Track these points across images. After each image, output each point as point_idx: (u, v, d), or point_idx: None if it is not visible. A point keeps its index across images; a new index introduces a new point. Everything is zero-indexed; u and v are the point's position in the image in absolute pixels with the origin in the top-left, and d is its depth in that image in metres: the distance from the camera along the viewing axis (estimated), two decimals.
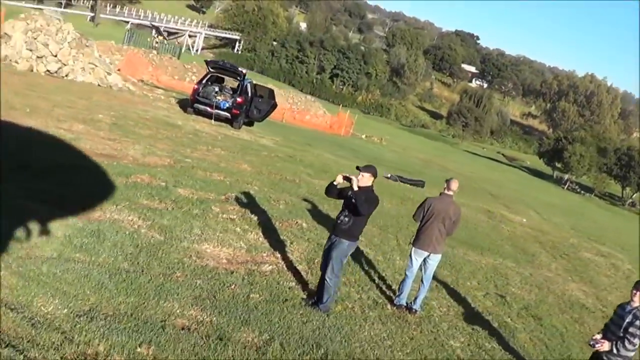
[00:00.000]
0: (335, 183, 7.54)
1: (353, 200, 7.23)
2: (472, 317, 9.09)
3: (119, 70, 26.43)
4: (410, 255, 8.79)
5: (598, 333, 7.13)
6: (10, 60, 20.49)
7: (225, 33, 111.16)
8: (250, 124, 23.94)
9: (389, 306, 8.58)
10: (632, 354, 7.15)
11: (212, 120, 21.17)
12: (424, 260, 8.79)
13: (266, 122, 25.36)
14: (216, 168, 13.60)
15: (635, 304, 7.17)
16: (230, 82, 24.40)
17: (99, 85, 21.83)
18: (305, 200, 13.08)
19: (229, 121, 21.73)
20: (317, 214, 11.95)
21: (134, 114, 18.01)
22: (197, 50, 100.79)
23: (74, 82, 21.00)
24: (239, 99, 21.50)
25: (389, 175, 21.33)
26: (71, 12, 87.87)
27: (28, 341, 5.16)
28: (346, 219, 7.49)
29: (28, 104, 14.17)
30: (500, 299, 10.28)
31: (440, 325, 8.45)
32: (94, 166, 10.79)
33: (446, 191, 8.79)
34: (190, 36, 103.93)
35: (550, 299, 11.24)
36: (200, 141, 16.80)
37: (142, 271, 7.24)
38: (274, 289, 7.94)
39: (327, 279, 7.62)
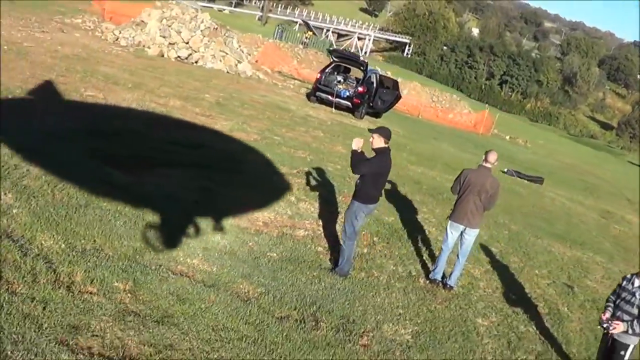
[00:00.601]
0: (355, 148, 7.38)
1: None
2: (520, 300, 8.50)
3: (256, 60, 27.39)
4: (447, 229, 8.43)
5: (603, 313, 6.41)
6: (144, 45, 21.98)
7: (395, 36, 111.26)
8: (377, 115, 23.84)
9: (422, 280, 8.22)
10: None
11: (333, 109, 21.37)
12: (461, 234, 8.40)
13: (397, 116, 25.17)
14: (304, 147, 13.70)
15: None
16: (357, 73, 24.48)
17: (227, 72, 22.77)
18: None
19: (351, 110, 21.81)
20: (390, 193, 11.64)
21: (247, 97, 18.59)
22: (365, 53, 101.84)
23: (201, 68, 22.07)
24: (360, 89, 21.56)
25: (506, 170, 20.50)
26: (242, 11, 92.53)
27: (10, 265, 5.49)
28: (358, 180, 7.51)
29: (135, 81, 15.11)
30: (567, 289, 9.51)
31: (475, 303, 7.99)
32: (149, 132, 11.16)
33: (484, 163, 8.32)
34: (359, 39, 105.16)
35: None
36: (304, 124, 17.01)
37: (164, 222, 7.42)
38: (297, 251, 7.90)
39: (342, 242, 7.72)
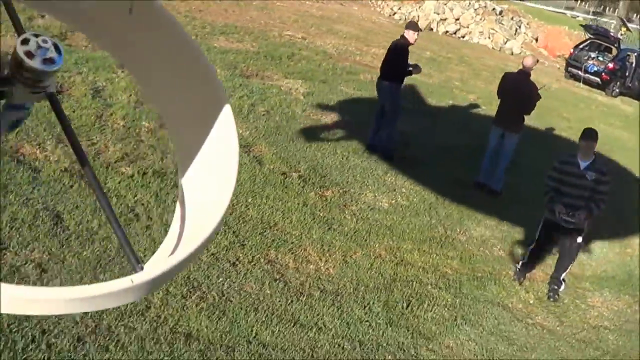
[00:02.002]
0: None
1: None
2: None
3: (535, 40, 27.43)
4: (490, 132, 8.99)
5: (552, 204, 6.61)
6: (414, 18, 24.17)
7: None
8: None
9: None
10: None
11: (580, 83, 21.03)
12: (502, 137, 8.88)
13: None
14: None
15: (589, 157, 6.52)
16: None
17: (492, 48, 23.73)
18: None
19: (602, 87, 21.11)
20: None
21: (477, 61, 19.65)
22: None
23: (463, 42, 23.45)
24: (610, 65, 20.79)
25: None
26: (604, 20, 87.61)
27: None
28: None
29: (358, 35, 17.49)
30: None
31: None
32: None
33: (523, 68, 8.73)
34: None
35: None
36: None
37: None
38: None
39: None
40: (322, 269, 6.30)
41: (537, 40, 26.53)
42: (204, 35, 13.30)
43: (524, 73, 8.62)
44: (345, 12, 22.75)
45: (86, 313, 4.37)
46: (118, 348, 4.29)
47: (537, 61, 8.90)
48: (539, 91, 8.88)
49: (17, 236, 5.28)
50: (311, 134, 9.39)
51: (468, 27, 24.01)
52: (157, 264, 1.17)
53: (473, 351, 5.74)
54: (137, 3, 1.61)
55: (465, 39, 23.87)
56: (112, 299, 1.11)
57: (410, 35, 8.83)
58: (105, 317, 4.52)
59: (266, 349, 4.79)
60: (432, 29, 23.87)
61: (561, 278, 6.92)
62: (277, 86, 11.26)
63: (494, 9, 25.16)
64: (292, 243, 6.45)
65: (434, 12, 24.18)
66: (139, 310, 4.74)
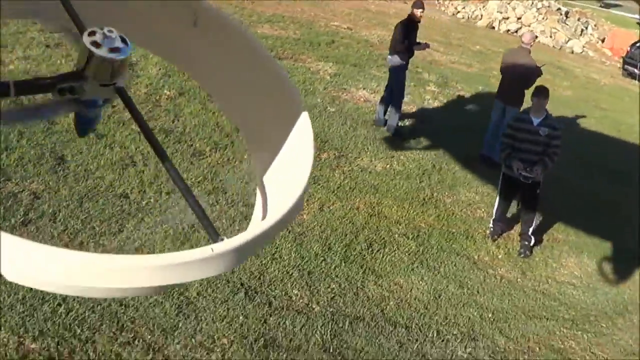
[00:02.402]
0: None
1: None
2: None
3: (602, 41, 26.83)
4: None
5: (508, 159, 7.04)
6: (476, 17, 24.31)
7: None
8: None
9: None
10: None
11: (636, 81, 20.66)
12: (503, 112, 9.18)
13: None
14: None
15: (541, 113, 6.88)
16: None
17: (552, 46, 23.52)
18: None
19: None
20: None
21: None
22: None
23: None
24: None
25: None
26: None
27: None
28: None
29: None
30: None
31: None
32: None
33: (521, 44, 9.01)
34: None
35: None
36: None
37: None
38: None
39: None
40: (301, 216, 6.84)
41: (603, 41, 26.00)
42: (249, 23, 13.98)
43: (523, 49, 8.91)
44: (405, 9, 23.12)
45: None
46: None
47: (536, 37, 9.16)
48: (542, 68, 9.11)
49: (21, 171, 6.14)
50: (326, 106, 9.95)
51: (529, 25, 23.89)
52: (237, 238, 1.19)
53: (421, 290, 6.13)
54: (201, 15, 1.66)
55: None
56: (189, 269, 1.08)
57: (416, 13, 9.25)
58: None
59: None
60: (493, 27, 23.92)
61: (529, 233, 7.23)
62: (306, 67, 11.89)
63: (558, 9, 24.91)
64: None
65: (497, 12, 24.22)
66: None
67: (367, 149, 8.87)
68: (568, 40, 24.08)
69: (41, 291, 4.57)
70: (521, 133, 6.94)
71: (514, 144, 6.98)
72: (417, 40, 9.55)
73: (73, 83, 1.34)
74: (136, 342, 4.57)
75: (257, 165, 1.70)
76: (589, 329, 6.30)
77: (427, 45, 9.61)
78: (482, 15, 24.52)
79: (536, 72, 8.95)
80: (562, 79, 17.24)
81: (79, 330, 4.51)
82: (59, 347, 4.36)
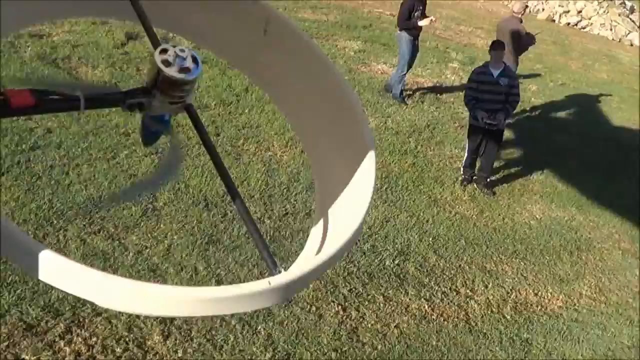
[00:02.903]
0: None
1: None
2: None
3: None
4: None
5: (473, 110, 7.66)
6: (538, 10, 24.35)
7: None
8: None
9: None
10: None
11: None
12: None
13: None
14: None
15: (499, 65, 7.46)
16: None
17: (612, 39, 23.37)
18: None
19: None
20: None
21: (578, 45, 19.69)
22: None
23: (583, 34, 23.31)
24: None
25: None
26: None
27: None
28: None
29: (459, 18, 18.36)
30: None
31: None
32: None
33: (512, 13, 9.58)
34: None
35: None
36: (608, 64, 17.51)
37: None
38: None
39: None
40: (277, 155, 7.63)
41: None
42: (292, 8, 14.76)
43: (514, 18, 9.47)
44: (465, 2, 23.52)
45: None
46: None
47: (526, 7, 9.63)
48: (536, 36, 9.61)
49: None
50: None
51: (590, 19, 23.80)
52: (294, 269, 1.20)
53: (371, 216, 6.76)
54: (271, 23, 1.67)
55: (586, 30, 23.69)
56: (247, 301, 1.11)
57: None
58: None
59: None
60: (553, 21, 23.96)
61: (486, 175, 7.82)
62: (334, 45, 12.62)
63: (621, 2, 24.67)
64: (261, 137, 7.81)
65: (558, 6, 24.30)
66: None
67: (366, 109, 9.53)
68: (628, 33, 23.83)
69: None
70: (483, 85, 7.52)
71: (478, 96, 7.56)
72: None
73: (142, 99, 1.35)
74: (101, 232, 5.50)
75: (318, 194, 1.74)
76: (529, 259, 6.79)
77: (432, 20, 10.12)
78: (543, 9, 24.57)
79: (529, 39, 9.43)
80: (603, 64, 17.29)
81: (55, 222, 5.48)
82: (36, 231, 5.34)
